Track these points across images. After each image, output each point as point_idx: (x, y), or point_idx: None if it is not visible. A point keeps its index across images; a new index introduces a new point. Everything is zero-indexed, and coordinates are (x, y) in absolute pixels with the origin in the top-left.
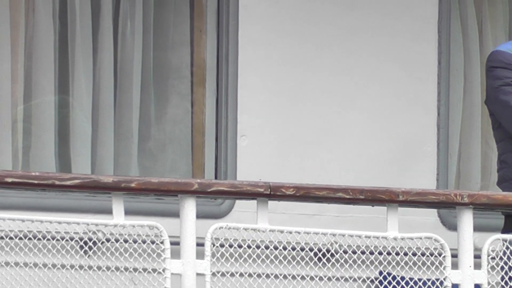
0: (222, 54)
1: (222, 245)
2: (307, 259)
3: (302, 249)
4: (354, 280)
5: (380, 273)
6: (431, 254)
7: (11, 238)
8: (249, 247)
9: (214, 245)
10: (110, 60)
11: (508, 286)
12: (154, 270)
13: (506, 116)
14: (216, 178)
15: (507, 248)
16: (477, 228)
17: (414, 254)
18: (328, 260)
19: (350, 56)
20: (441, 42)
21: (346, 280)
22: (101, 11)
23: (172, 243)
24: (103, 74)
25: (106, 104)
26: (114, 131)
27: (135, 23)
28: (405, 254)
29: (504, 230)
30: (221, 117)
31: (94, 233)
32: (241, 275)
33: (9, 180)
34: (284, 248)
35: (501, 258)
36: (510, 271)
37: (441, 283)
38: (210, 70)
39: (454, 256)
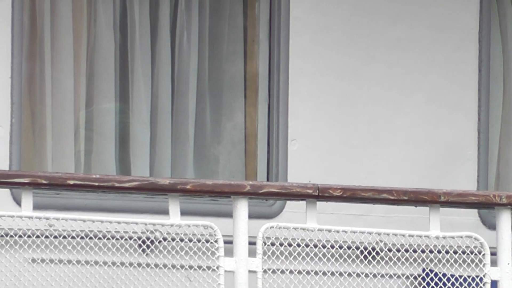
0: (273, 63)
1: (273, 244)
2: (353, 257)
3: (349, 248)
4: (398, 277)
5: (423, 270)
6: (471, 252)
7: (73, 237)
8: (298, 245)
9: (265, 244)
10: (167, 69)
11: None
12: (209, 268)
13: None
14: (267, 180)
15: None
16: None
17: (455, 252)
18: (373, 258)
19: (395, 66)
20: (481, 51)
21: (390, 277)
22: (159, 22)
23: (225, 242)
24: (161, 82)
25: (164, 111)
26: (172, 136)
27: (191, 34)
28: (447, 252)
29: None
30: (273, 123)
31: (151, 232)
32: (291, 272)
33: (71, 182)
34: (332, 247)
35: None
36: None
37: (481, 279)
38: (262, 78)
39: (493, 254)
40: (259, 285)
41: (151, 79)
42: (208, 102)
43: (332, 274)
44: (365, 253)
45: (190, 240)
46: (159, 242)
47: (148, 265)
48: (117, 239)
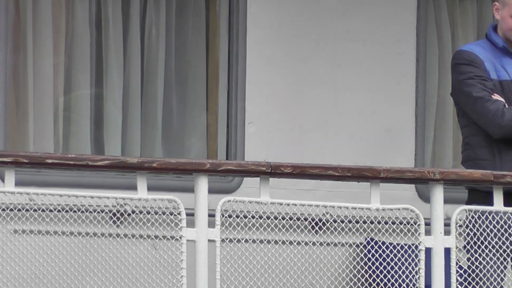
0: (232, 54)
1: (230, 216)
2: (302, 227)
3: (299, 219)
4: (343, 245)
5: (365, 239)
6: (408, 223)
7: (51, 210)
8: (253, 217)
9: (223, 216)
10: (137, 60)
11: (472, 249)
12: (172, 237)
13: (469, 104)
14: (227, 159)
15: (472, 217)
16: (447, 201)
17: (393, 223)
18: (320, 228)
19: (342, 56)
20: (419, 43)
21: (335, 245)
22: (130, 18)
23: (188, 214)
24: (132, 71)
25: (134, 97)
26: (141, 119)
27: (159, 29)
28: (386, 223)
29: (468, 202)
30: (231, 108)
31: (121, 206)
32: (246, 241)
33: (50, 161)
34: (283, 218)
35: (466, 226)
36: (474, 236)
37: (416, 247)
38: (222, 68)
39: (428, 224)
40: (217, 253)
41: (123, 69)
42: (174, 89)
43: (283, 242)
44: (313, 224)
45: (156, 213)
46: (129, 215)
47: (118, 235)
48: (90, 212)
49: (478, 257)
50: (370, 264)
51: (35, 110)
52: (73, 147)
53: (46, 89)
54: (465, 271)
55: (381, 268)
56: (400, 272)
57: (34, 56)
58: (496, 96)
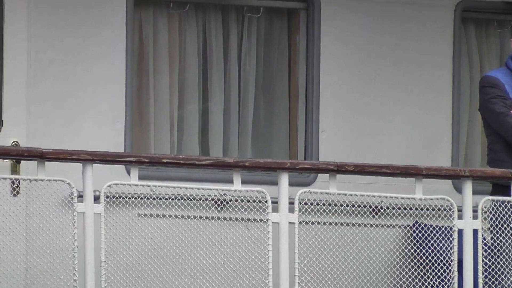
0: (309, 78)
1: (306, 203)
2: (362, 213)
3: (359, 206)
4: (394, 227)
5: (413, 222)
6: (445, 210)
7: (166, 199)
8: (323, 205)
9: (301, 204)
10: (235, 81)
11: (495, 230)
12: (261, 220)
13: (493, 118)
14: (305, 160)
15: (494, 205)
16: (475, 192)
17: (433, 210)
18: (377, 213)
19: (394, 79)
20: (454, 70)
21: (389, 226)
22: (229, 48)
23: (273, 202)
24: (231, 91)
25: (233, 111)
26: (238, 128)
27: (251, 56)
28: (427, 209)
29: (491, 194)
30: (308, 119)
31: (222, 195)
32: (319, 223)
33: (165, 160)
34: (347, 206)
35: (490, 212)
36: (496, 220)
37: (451, 228)
38: (301, 88)
39: (460, 211)
40: (296, 233)
41: (224, 88)
42: (262, 104)
43: (347, 224)
44: (371, 210)
45: (248, 201)
46: (227, 202)
47: (219, 218)
48: (197, 200)
49: (499, 237)
50: (415, 241)
51: (155, 121)
52: (184, 150)
53: (163, 104)
54: (489, 247)
55: (424, 244)
56: (438, 248)
57: (154, 78)
58: None
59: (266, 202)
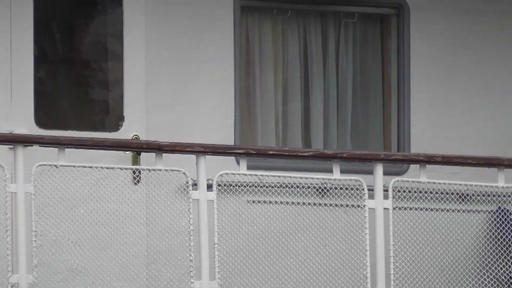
0: (401, 77)
1: (399, 191)
2: (449, 198)
3: (447, 193)
4: (478, 212)
5: (496, 208)
6: None
7: (272, 186)
8: (415, 192)
9: (394, 191)
10: (334, 80)
11: None
12: (358, 206)
13: None
14: (398, 151)
15: None
16: None
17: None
18: (463, 199)
19: (481, 79)
20: None
21: (474, 212)
22: (328, 50)
23: (369, 190)
24: (330, 89)
25: (332, 108)
26: (337, 123)
27: (348, 57)
28: (509, 196)
29: None
30: (401, 114)
31: (323, 184)
32: (410, 209)
33: (271, 152)
34: (436, 193)
35: None
36: None
37: None
38: (393, 86)
39: None
40: (390, 218)
41: (323, 87)
42: (359, 102)
43: (436, 210)
44: (458, 196)
45: (347, 189)
46: (328, 190)
47: (320, 204)
48: (300, 188)
49: None
50: (498, 226)
51: (261, 116)
52: (289, 143)
53: (269, 101)
54: None
55: (507, 228)
56: None
57: (260, 77)
58: None
59: (362, 190)
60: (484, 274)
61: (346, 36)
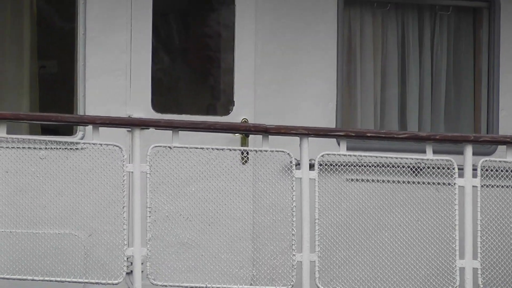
0: (491, 65)
1: (487, 170)
2: None
3: None
4: None
5: None
6: None
7: (369, 166)
8: (501, 171)
9: (482, 170)
10: (428, 68)
11: None
12: (448, 184)
13: None
14: (487, 133)
15: None
16: None
17: None
18: None
19: None
20: None
21: None
22: (424, 40)
23: (459, 169)
24: (425, 76)
25: (426, 94)
26: (431, 107)
27: (442, 47)
28: None
29: None
30: (490, 99)
31: (417, 163)
32: (497, 186)
33: (369, 134)
34: None
35: None
36: None
37: None
38: (484, 74)
39: None
40: (478, 195)
41: (419, 74)
42: (452, 88)
43: None
44: None
45: (438, 168)
46: (421, 169)
47: (413, 182)
48: (395, 167)
49: None
50: None
51: (361, 101)
52: (386, 126)
53: (368, 87)
54: None
55: None
56: None
57: (360, 65)
58: None
59: (453, 169)
60: None
61: (441, 27)
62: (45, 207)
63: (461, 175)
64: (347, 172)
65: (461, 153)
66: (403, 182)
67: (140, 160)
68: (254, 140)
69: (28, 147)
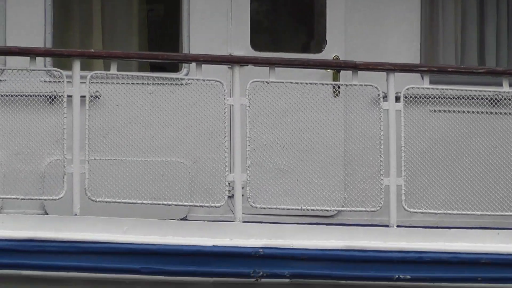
0: None
1: None
2: None
3: None
4: None
5: None
6: None
7: (451, 98)
8: None
9: None
10: (505, 7)
11: None
12: None
13: None
14: None
15: None
16: None
17: None
18: None
19: None
20: None
21: None
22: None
23: None
24: (502, 17)
25: (503, 32)
26: (507, 46)
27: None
28: None
29: None
30: None
31: (494, 95)
32: None
33: (450, 69)
34: None
35: None
36: None
37: None
38: None
39: None
40: None
41: (495, 15)
42: None
43: None
44: None
45: None
46: (498, 101)
47: (491, 112)
48: (476, 98)
49: None
50: None
51: (443, 40)
52: (465, 62)
53: (449, 27)
54: None
55: None
56: None
57: (442, 8)
58: None
59: None
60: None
61: None
62: (153, 137)
63: None
64: (430, 104)
65: None
66: (482, 112)
67: (240, 94)
68: (345, 75)
69: (137, 83)
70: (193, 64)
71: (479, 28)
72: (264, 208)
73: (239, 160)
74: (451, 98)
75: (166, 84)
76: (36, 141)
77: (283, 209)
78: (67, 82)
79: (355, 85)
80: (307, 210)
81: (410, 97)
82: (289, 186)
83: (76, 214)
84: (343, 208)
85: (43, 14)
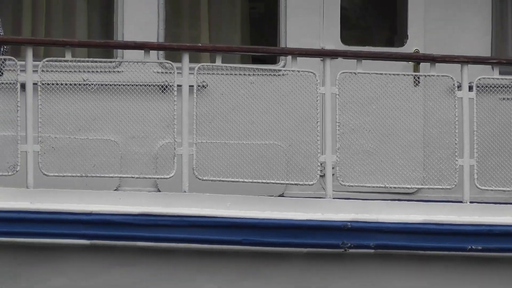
0: None
1: None
2: None
3: None
4: None
5: None
6: None
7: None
8: None
9: None
10: None
11: None
12: None
13: None
14: None
15: None
16: None
17: None
18: None
19: None
20: None
21: None
22: None
23: None
24: None
25: None
26: None
27: None
28: None
29: None
30: None
31: None
32: None
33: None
34: None
35: None
36: None
37: None
38: None
39: None
40: None
41: None
42: None
43: None
44: None
45: None
46: None
47: None
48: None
49: None
50: None
51: None
52: None
53: None
54: None
55: None
56: None
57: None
58: None
59: None
60: None
61: None
62: (253, 123)
63: None
64: (499, 92)
65: None
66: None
67: (331, 84)
68: (424, 66)
69: (240, 74)
70: (289, 57)
71: None
72: (352, 186)
73: (330, 143)
74: None
75: (265, 75)
76: (149, 126)
77: (369, 186)
78: (177, 73)
79: (433, 75)
80: (390, 187)
81: (482, 86)
82: (374, 166)
83: (185, 191)
84: (422, 186)
85: (157, 12)
